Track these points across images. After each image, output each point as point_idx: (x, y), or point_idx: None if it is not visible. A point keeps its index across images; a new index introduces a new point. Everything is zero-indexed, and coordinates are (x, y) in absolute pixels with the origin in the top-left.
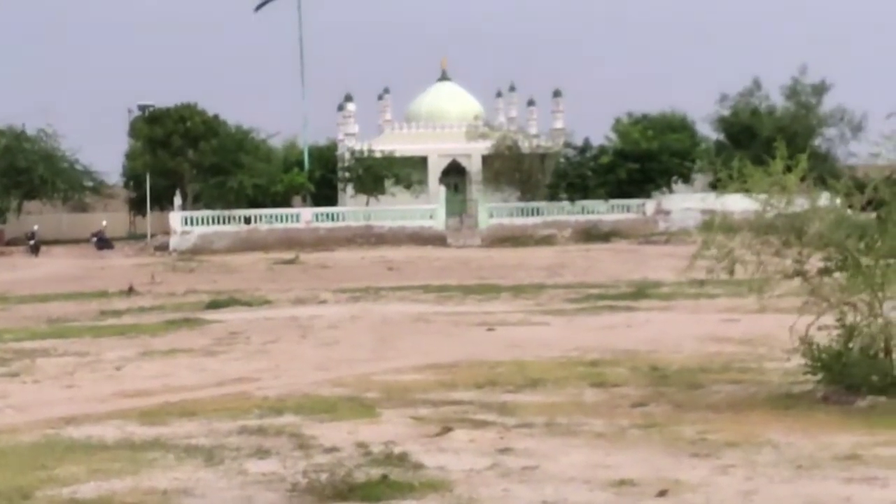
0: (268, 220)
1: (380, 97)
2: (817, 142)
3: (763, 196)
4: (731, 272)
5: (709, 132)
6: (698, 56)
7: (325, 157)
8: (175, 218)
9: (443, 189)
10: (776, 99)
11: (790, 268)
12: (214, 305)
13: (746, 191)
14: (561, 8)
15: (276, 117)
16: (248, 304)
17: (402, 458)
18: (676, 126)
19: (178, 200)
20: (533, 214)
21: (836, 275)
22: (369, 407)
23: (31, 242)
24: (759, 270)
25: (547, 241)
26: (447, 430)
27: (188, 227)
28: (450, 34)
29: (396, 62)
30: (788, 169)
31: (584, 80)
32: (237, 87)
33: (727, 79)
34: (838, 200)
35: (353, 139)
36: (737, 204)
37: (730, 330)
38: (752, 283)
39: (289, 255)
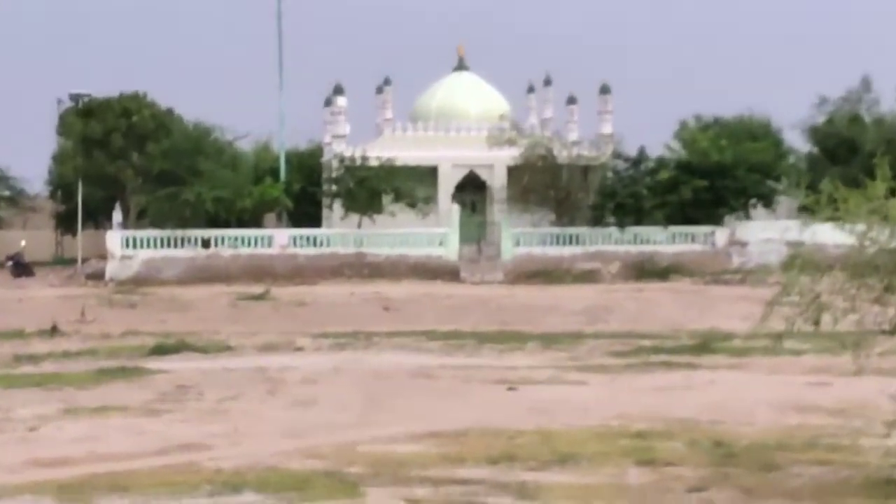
0: (232, 243)
1: (378, 90)
2: None
3: (861, 227)
4: (818, 323)
5: (800, 143)
6: (789, 45)
7: (307, 165)
8: (114, 238)
9: (456, 208)
10: (888, 105)
11: (894, 319)
12: (160, 351)
13: (840, 219)
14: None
15: (245, 113)
16: (204, 350)
17: None
18: (757, 134)
19: (117, 216)
20: (571, 243)
21: None
22: (351, 485)
23: None
24: (854, 322)
25: (588, 277)
26: None
27: (130, 251)
28: (469, 13)
29: (400, 47)
30: (893, 193)
31: (638, 73)
32: (197, 74)
33: (828, 77)
34: None
35: (344, 143)
36: (830, 235)
37: (817, 396)
38: (846, 337)
39: (257, 289)
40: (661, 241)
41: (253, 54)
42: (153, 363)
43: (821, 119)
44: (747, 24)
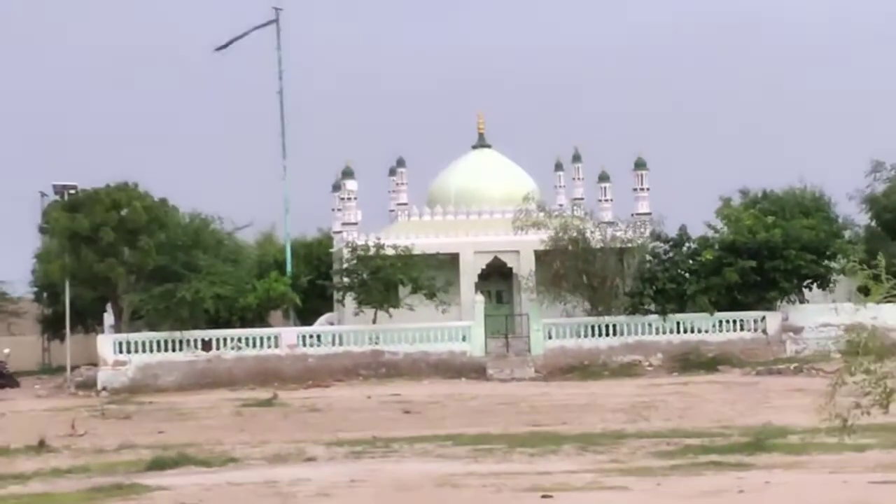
0: (235, 344)
1: (391, 172)
2: None
3: None
4: (886, 406)
5: (858, 216)
6: (840, 106)
7: (316, 256)
8: (105, 342)
9: (480, 299)
10: None
11: None
12: (159, 465)
13: None
14: (637, 51)
15: (247, 202)
16: (206, 463)
17: None
18: (809, 208)
19: (109, 318)
20: (608, 334)
21: None
22: None
23: None
24: None
25: (628, 370)
26: None
27: (123, 356)
28: (488, 85)
29: (413, 124)
30: None
31: (675, 145)
32: (193, 161)
33: (883, 140)
34: None
35: (355, 230)
36: (894, 316)
37: (883, 497)
38: None
39: (264, 394)
40: (707, 330)
41: (254, 137)
42: (151, 479)
43: (879, 188)
44: (793, 86)
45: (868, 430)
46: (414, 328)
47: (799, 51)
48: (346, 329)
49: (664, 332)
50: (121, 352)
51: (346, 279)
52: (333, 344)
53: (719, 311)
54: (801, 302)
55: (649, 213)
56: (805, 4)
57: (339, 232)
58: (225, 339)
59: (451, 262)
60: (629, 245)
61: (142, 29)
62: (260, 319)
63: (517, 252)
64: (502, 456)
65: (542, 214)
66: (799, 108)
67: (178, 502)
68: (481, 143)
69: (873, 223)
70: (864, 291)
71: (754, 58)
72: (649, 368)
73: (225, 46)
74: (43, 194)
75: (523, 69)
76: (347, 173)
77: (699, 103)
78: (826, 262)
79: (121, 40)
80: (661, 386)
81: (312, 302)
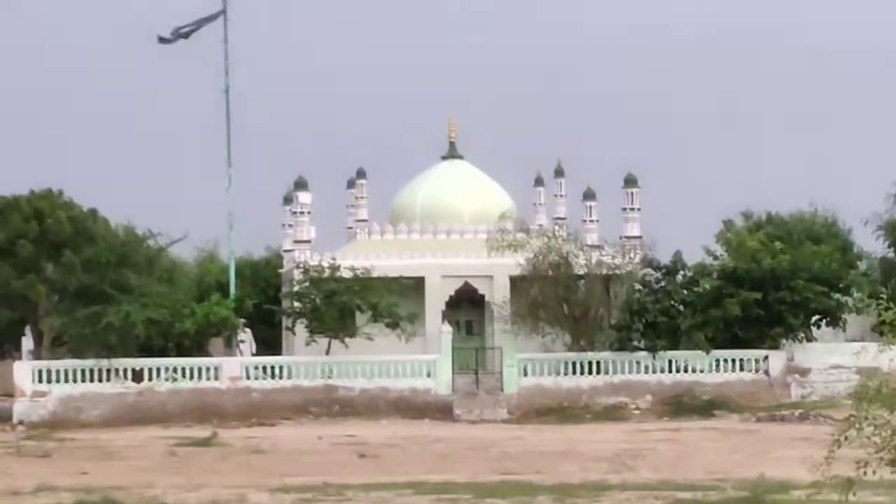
0: (170, 375)
1: (350, 184)
2: None
3: None
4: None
5: (874, 244)
6: (855, 127)
7: (263, 278)
8: (23, 370)
9: (448, 329)
10: None
11: None
12: None
13: None
14: (631, 54)
15: (187, 215)
16: None
17: None
18: (820, 234)
19: (27, 343)
20: (591, 372)
21: None
22: None
23: None
24: None
25: (613, 414)
26: None
27: (44, 386)
28: (459, 89)
29: (377, 131)
30: None
31: (670, 161)
32: (126, 167)
33: None
34: None
35: (308, 249)
36: None
37: None
38: None
39: (202, 432)
40: (702, 369)
41: (196, 142)
42: None
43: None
44: (804, 99)
45: (879, 486)
46: (372, 361)
47: (811, 62)
48: (296, 360)
49: (654, 372)
50: (40, 381)
51: (296, 304)
52: (281, 377)
53: (716, 348)
54: (809, 340)
55: (640, 237)
56: (823, 16)
57: (290, 251)
58: (158, 370)
59: (415, 287)
60: (616, 272)
61: (70, 17)
62: (198, 348)
63: (490, 277)
64: None
65: (519, 235)
66: (811, 123)
67: None
68: (452, 154)
69: (891, 252)
70: (881, 330)
71: (761, 67)
72: (636, 412)
73: (169, 39)
74: None
75: (501, 71)
76: (300, 184)
77: (698, 114)
78: (838, 295)
79: (44, 30)
80: (649, 432)
81: (259, 329)
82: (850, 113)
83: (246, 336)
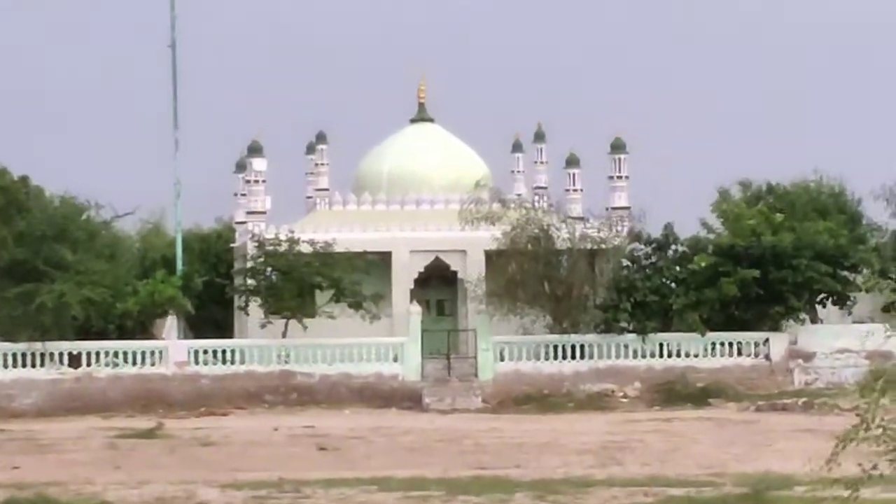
0: (110, 360)
1: (309, 149)
2: None
3: None
4: None
5: (885, 218)
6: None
7: (214, 253)
8: None
9: (417, 310)
10: None
11: None
12: None
13: None
14: (619, 9)
15: (129, 184)
16: None
17: None
18: (826, 207)
19: None
20: (574, 356)
21: None
22: None
23: None
24: None
25: (598, 402)
26: None
27: None
28: (430, 44)
29: (340, 90)
30: None
31: (662, 124)
32: (65, 133)
33: None
34: None
35: (263, 221)
36: None
37: None
38: None
39: (146, 423)
40: (697, 353)
41: (140, 102)
42: None
43: None
44: (810, 59)
45: (890, 482)
46: (334, 344)
47: (819, 19)
48: (250, 343)
49: (643, 356)
50: None
51: (250, 281)
52: (233, 362)
53: (712, 330)
54: (814, 322)
55: (628, 208)
56: None
57: (243, 223)
58: (98, 354)
59: (381, 262)
60: (602, 246)
61: None
62: (142, 330)
63: (464, 252)
64: None
65: (495, 206)
66: (816, 84)
67: None
68: (422, 116)
69: None
70: (891, 309)
71: (761, 25)
72: (624, 400)
73: None
74: None
75: (476, 24)
76: (254, 150)
77: (692, 75)
78: (845, 273)
79: None
80: (638, 422)
81: (208, 309)
82: (859, 79)
83: (170, 321)
